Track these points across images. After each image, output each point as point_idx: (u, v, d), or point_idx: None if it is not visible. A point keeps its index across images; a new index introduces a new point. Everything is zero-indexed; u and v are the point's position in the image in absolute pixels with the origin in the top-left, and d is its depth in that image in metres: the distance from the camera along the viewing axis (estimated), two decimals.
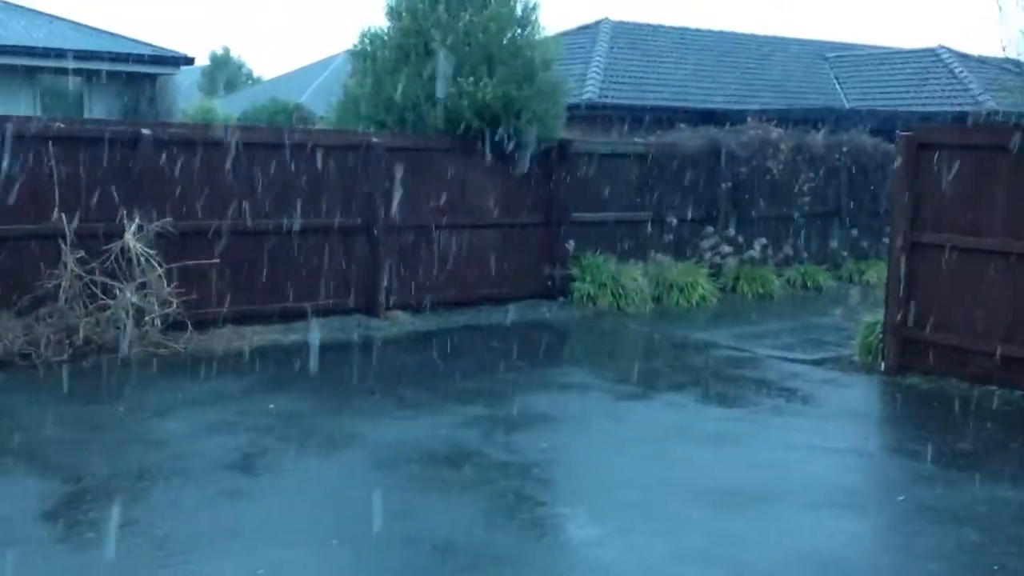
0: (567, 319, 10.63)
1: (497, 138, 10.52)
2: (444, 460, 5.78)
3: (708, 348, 9.23)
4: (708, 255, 12.44)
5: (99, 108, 13.42)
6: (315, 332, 9.02)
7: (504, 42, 10.70)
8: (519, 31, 10.95)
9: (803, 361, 8.70)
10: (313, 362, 8.16)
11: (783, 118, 13.81)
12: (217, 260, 8.98)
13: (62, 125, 8.51)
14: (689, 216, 12.36)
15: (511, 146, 10.61)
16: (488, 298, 10.79)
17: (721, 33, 20.78)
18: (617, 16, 21.09)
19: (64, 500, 4.99)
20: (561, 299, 11.17)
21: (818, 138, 13.61)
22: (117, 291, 8.18)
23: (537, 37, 11.05)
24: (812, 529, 4.86)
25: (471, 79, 10.27)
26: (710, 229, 12.59)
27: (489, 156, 10.65)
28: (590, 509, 5.07)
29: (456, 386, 7.54)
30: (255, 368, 7.97)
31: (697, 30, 20.58)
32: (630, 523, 4.86)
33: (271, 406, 6.83)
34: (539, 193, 11.18)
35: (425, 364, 8.50)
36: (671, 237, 12.28)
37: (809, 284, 13.17)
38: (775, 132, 13.02)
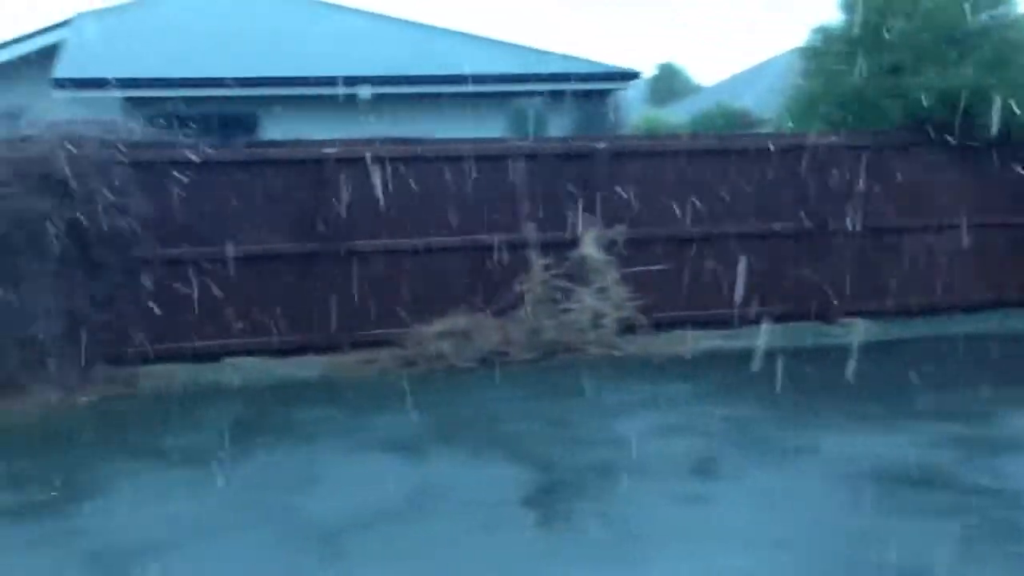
0: None
1: (965, 131, 9.55)
2: (910, 481, 5.33)
3: None
4: None
5: (557, 126, 14.44)
6: (764, 338, 8.85)
7: (970, 25, 9.70)
8: (989, 12, 9.86)
9: None
10: (762, 368, 8.01)
11: None
12: (667, 266, 9.23)
13: (529, 144, 9.31)
14: None
15: (982, 139, 9.57)
16: (957, 306, 9.81)
17: None
18: None
19: (539, 489, 5.40)
20: None
21: None
22: (576, 296, 8.75)
23: (1011, 16, 9.86)
24: None
25: (934, 68, 9.44)
26: None
27: (956, 151, 9.70)
28: None
29: (921, 400, 6.94)
30: (704, 373, 8.03)
31: None
32: None
33: (721, 411, 6.82)
34: (1018, 190, 9.93)
35: (885, 375, 7.93)
36: None
37: None
38: None
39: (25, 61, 13.75)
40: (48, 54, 13.52)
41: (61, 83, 12.20)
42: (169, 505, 5.22)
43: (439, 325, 8.45)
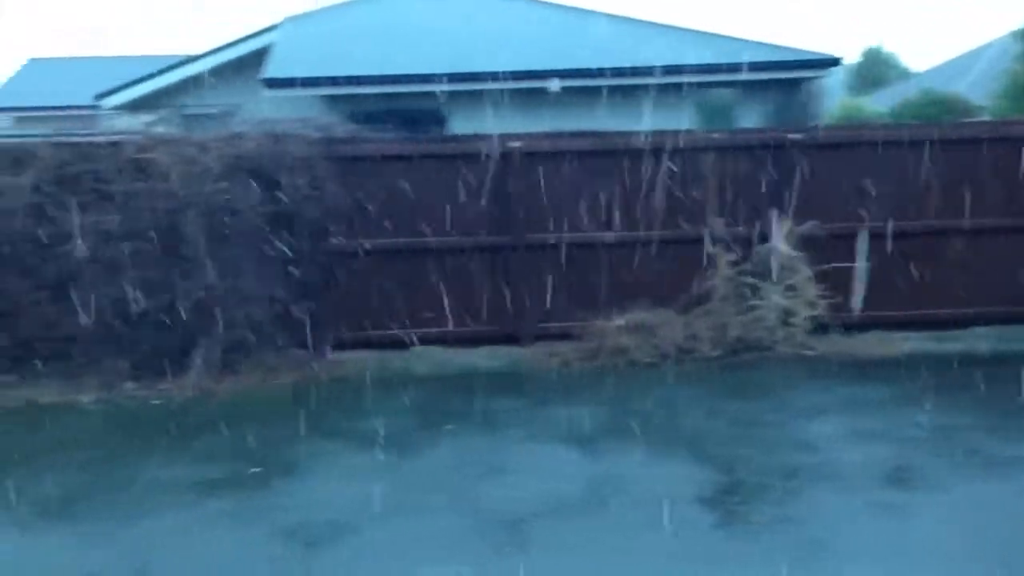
0: None
1: None
2: None
3: None
4: None
5: (748, 116, 14.01)
6: (975, 342, 8.25)
7: None
8: None
9: None
10: (971, 374, 7.46)
11: None
12: (866, 263, 8.75)
13: (719, 136, 9.05)
14: None
15: None
16: None
17: None
18: None
19: (719, 489, 5.25)
20: None
21: None
22: (764, 292, 8.45)
23: None
24: None
25: None
26: None
27: None
28: None
29: None
30: (902, 376, 7.56)
31: None
32: None
33: (920, 418, 6.40)
34: None
35: None
36: None
37: None
38: None
39: (241, 63, 14.75)
40: (260, 56, 14.42)
41: (269, 83, 12.99)
42: (361, 486, 5.44)
43: (622, 319, 8.38)
